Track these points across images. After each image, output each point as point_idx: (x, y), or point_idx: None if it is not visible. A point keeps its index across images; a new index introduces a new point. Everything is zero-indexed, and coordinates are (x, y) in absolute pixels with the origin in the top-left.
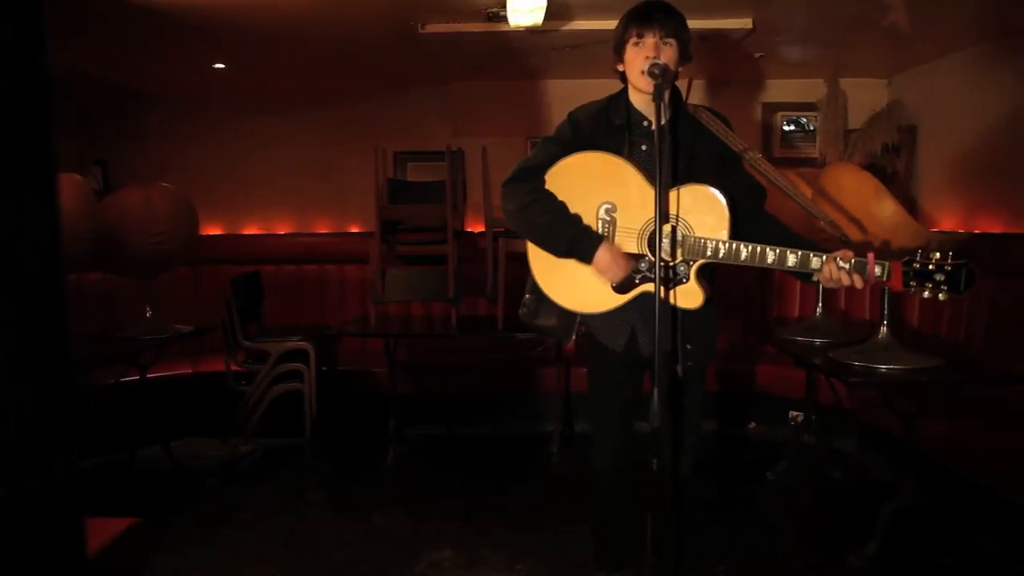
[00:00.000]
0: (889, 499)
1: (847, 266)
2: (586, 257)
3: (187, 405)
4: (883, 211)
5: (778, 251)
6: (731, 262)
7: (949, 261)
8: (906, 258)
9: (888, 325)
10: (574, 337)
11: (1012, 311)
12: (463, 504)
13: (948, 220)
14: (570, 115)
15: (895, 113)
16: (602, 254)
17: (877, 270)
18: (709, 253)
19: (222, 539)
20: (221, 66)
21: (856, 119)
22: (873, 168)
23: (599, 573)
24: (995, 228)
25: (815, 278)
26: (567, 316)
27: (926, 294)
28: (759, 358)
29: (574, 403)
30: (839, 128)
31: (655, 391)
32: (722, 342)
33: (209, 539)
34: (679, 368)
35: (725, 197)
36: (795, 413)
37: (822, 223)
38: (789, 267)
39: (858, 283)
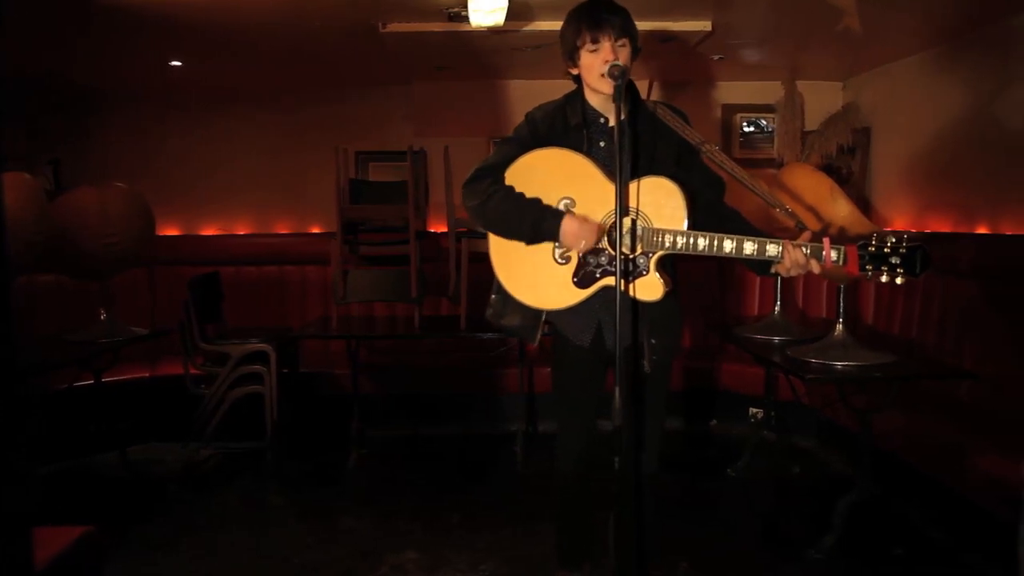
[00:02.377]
0: (846, 493)
1: (805, 249)
2: (552, 232)
3: (145, 409)
4: (838, 211)
5: (735, 239)
6: (690, 252)
7: (904, 244)
8: (861, 242)
9: (844, 323)
10: (539, 336)
11: (961, 308)
12: (427, 505)
13: (900, 219)
14: (527, 115)
15: (850, 115)
16: (567, 223)
17: (833, 254)
18: (667, 244)
19: (181, 546)
20: (177, 64)
21: (813, 121)
22: (829, 169)
23: (561, 572)
24: (945, 227)
25: (774, 269)
26: (532, 316)
27: (883, 278)
28: (719, 357)
29: (537, 403)
30: (797, 129)
31: (616, 389)
32: (685, 341)
33: (168, 547)
34: (645, 363)
35: (683, 190)
36: (755, 410)
37: (778, 211)
38: (747, 255)
39: (815, 268)
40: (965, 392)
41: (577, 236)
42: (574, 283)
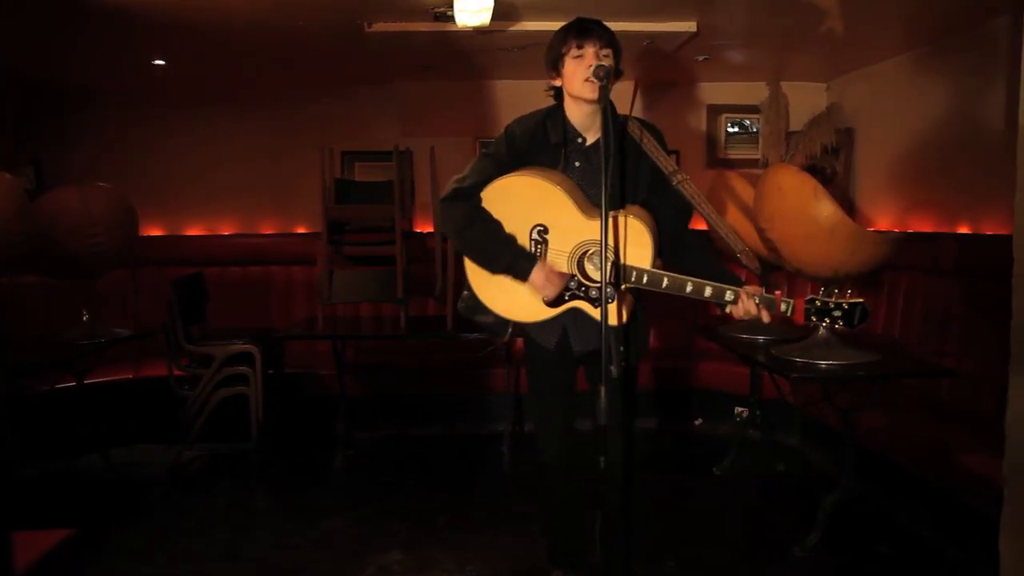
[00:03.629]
0: (830, 491)
1: (757, 299)
2: (522, 277)
3: (128, 411)
4: (821, 211)
5: (695, 282)
6: (653, 289)
7: (847, 300)
8: (809, 296)
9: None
10: (509, 331)
11: (943, 307)
12: (413, 506)
13: (883, 219)
14: (507, 129)
15: (834, 116)
16: (536, 274)
17: (783, 306)
18: (634, 279)
19: (165, 549)
20: (161, 63)
21: (797, 121)
22: (813, 169)
23: (555, 572)
24: (927, 227)
25: (727, 310)
26: (501, 316)
27: (822, 329)
28: (704, 356)
29: (524, 403)
30: (781, 130)
31: (602, 390)
32: (670, 341)
33: (152, 549)
34: (613, 368)
35: (651, 222)
36: (740, 409)
37: (739, 255)
38: (705, 297)
39: (765, 318)
40: (947, 390)
41: (542, 288)
42: (544, 302)
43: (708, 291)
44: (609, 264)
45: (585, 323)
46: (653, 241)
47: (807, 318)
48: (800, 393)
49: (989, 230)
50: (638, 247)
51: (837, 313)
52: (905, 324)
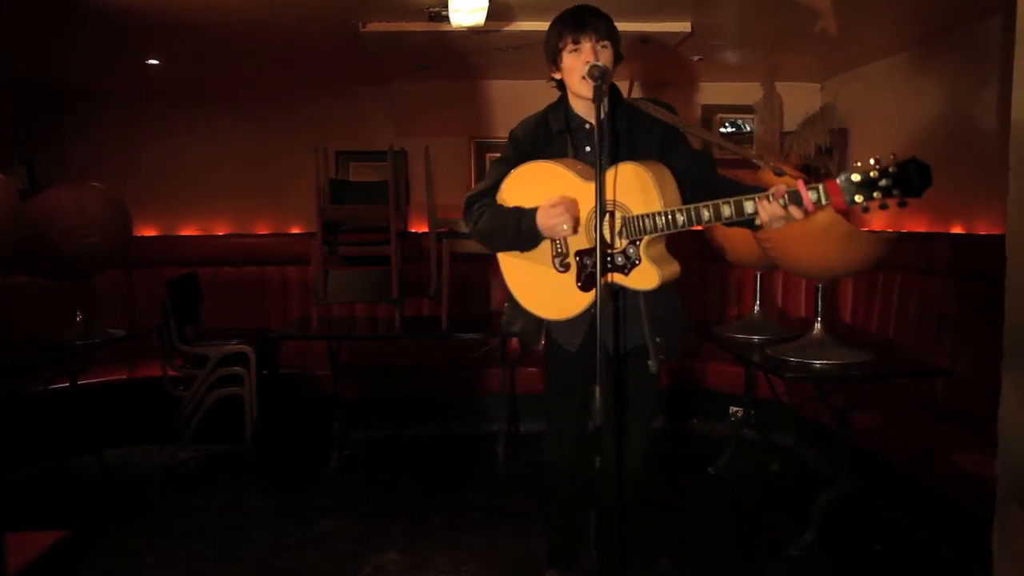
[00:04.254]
0: (825, 490)
1: (782, 200)
2: (532, 229)
3: (123, 412)
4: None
5: (712, 206)
6: (674, 230)
7: (893, 162)
8: (842, 175)
9: (822, 322)
10: (543, 338)
11: (937, 307)
12: (408, 506)
13: (877, 220)
14: (510, 134)
15: (828, 116)
16: (540, 214)
17: (811, 195)
18: (649, 228)
19: (161, 550)
20: (155, 62)
21: (791, 122)
22: (807, 169)
23: (552, 571)
24: (920, 227)
25: (757, 223)
26: (535, 320)
27: (880, 205)
28: (700, 356)
29: (520, 403)
30: (775, 131)
31: (597, 389)
32: None
33: (147, 551)
34: (652, 364)
35: (652, 167)
36: (735, 409)
37: (754, 159)
38: (726, 218)
39: (797, 215)
40: (941, 390)
41: (552, 220)
42: (578, 287)
43: (727, 210)
44: (619, 223)
45: (623, 313)
46: (655, 182)
47: (848, 200)
48: (795, 393)
49: (982, 230)
50: (643, 191)
51: (885, 182)
52: (899, 324)
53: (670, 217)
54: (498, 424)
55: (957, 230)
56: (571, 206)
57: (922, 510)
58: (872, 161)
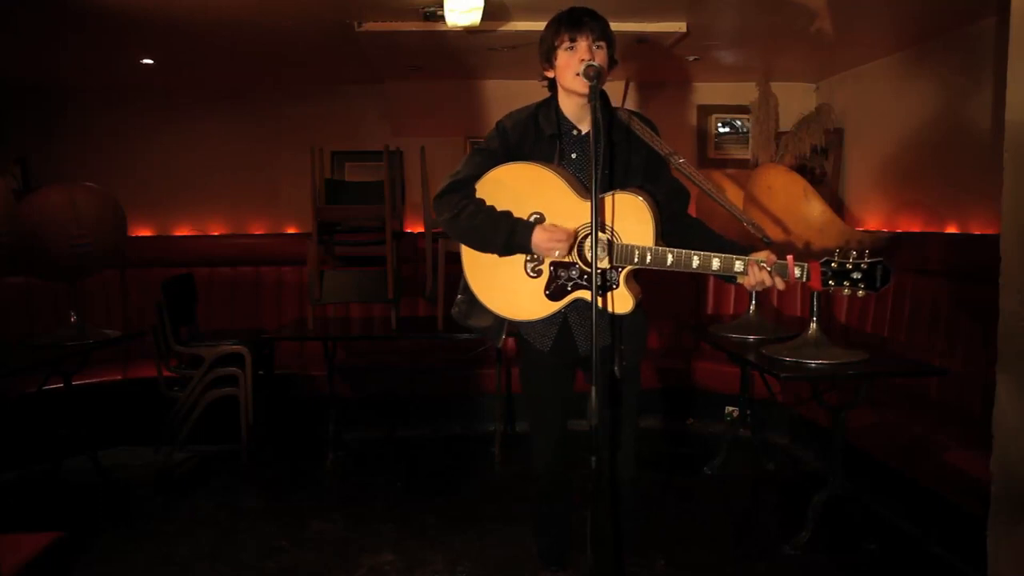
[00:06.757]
0: (819, 489)
1: (769, 268)
2: (524, 245)
3: (117, 413)
4: (811, 211)
5: (702, 256)
6: (658, 267)
7: (865, 260)
8: (824, 258)
9: (817, 322)
10: (503, 337)
11: (931, 306)
12: (404, 507)
13: (872, 219)
14: (498, 124)
15: (823, 116)
16: (538, 234)
17: (796, 271)
18: (637, 259)
19: (154, 552)
20: (149, 62)
21: (787, 122)
22: (802, 169)
23: (543, 572)
24: (915, 227)
25: (739, 281)
26: (497, 318)
27: (845, 292)
28: (695, 355)
29: (515, 403)
30: (770, 130)
31: (593, 390)
32: (661, 341)
33: (140, 552)
34: (616, 368)
35: (651, 203)
36: (731, 408)
37: (745, 224)
38: (714, 270)
39: (779, 285)
40: (935, 389)
41: (549, 245)
42: (546, 296)
43: (716, 263)
44: (606, 246)
45: (591, 319)
46: (653, 217)
47: (824, 283)
48: (790, 392)
49: (977, 230)
50: (638, 224)
51: (856, 275)
52: (893, 323)
53: (660, 255)
54: (493, 424)
55: (951, 230)
56: (572, 235)
57: (917, 509)
58: (852, 254)
